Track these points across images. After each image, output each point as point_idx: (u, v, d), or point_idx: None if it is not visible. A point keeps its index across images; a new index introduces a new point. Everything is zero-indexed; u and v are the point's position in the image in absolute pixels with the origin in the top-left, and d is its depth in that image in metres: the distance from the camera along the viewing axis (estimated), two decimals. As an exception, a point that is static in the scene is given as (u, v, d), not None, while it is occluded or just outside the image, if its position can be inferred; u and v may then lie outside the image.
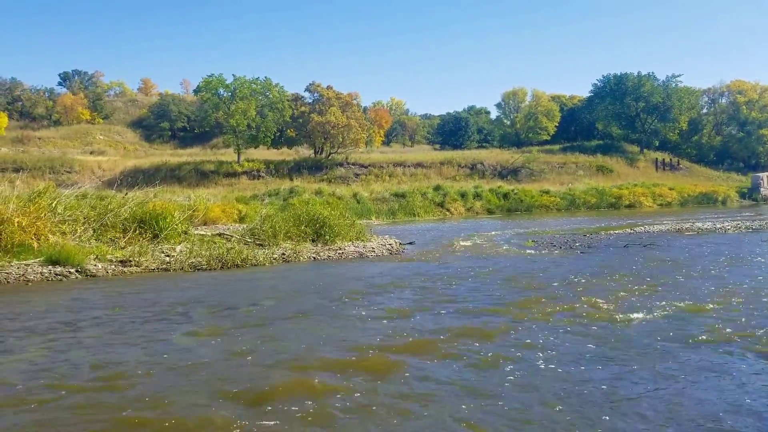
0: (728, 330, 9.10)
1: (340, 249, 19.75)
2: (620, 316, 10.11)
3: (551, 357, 7.87)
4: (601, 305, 10.95)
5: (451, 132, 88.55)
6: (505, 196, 51.64)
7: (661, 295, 11.86)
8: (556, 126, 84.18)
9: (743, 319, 9.76)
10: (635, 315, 10.13)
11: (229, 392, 6.68)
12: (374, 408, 6.24)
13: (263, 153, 65.56)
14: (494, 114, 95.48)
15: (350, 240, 21.28)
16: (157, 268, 16.06)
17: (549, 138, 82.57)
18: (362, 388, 6.82)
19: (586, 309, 10.63)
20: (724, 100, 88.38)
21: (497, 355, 7.97)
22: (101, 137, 79.14)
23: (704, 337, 8.73)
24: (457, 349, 8.27)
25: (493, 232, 28.39)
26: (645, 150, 78.13)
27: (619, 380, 6.98)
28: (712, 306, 10.82)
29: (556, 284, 13.31)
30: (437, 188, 50.31)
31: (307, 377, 7.17)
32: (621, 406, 6.23)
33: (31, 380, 7.15)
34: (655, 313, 10.25)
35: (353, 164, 61.09)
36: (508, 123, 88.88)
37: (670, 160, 77.14)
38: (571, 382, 6.91)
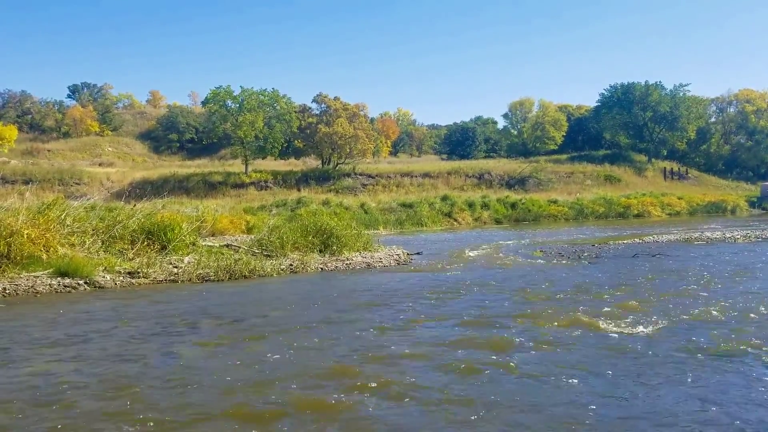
0: (740, 341, 9.01)
1: (348, 259, 19.73)
2: (630, 326, 10.03)
3: (558, 368, 7.80)
4: (609, 316, 10.87)
5: (459, 142, 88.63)
6: (513, 205, 51.54)
7: (670, 306, 11.77)
8: (563, 136, 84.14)
9: (755, 330, 9.66)
10: (644, 326, 10.05)
11: (237, 404, 6.66)
12: (380, 420, 6.20)
13: (271, 164, 65.80)
14: (501, 124, 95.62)
15: (358, 250, 21.25)
16: (165, 280, 16.08)
17: (556, 148, 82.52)
18: (370, 399, 6.79)
19: (595, 319, 10.54)
20: (732, 109, 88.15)
21: (505, 366, 7.91)
22: (110, 149, 79.68)
23: (715, 348, 8.64)
24: (465, 360, 8.21)
25: (500, 242, 28.31)
26: (653, 159, 77.87)
27: (628, 392, 6.91)
28: (722, 316, 10.72)
29: (563, 295, 13.23)
30: (445, 198, 50.26)
31: (314, 389, 7.14)
32: (629, 418, 6.16)
33: (38, 392, 7.15)
34: (665, 324, 10.16)
35: (360, 175, 61.19)
36: (516, 133, 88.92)
37: (679, 169, 76.88)
38: (579, 395, 6.86)
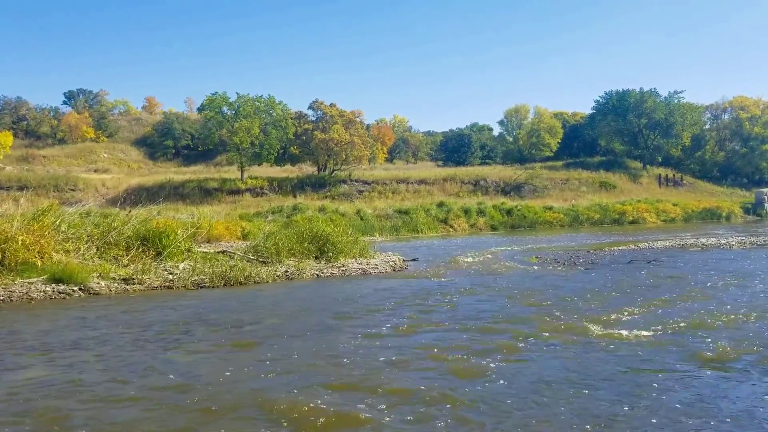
0: (734, 347, 9.03)
1: (344, 266, 19.71)
2: (625, 332, 10.05)
3: (555, 374, 7.81)
4: (605, 322, 10.89)
5: (454, 149, 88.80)
6: (509, 212, 51.53)
7: (665, 312, 11.79)
8: (558, 142, 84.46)
9: (750, 337, 9.68)
10: (640, 332, 10.06)
11: (231, 411, 6.64)
12: (377, 428, 6.18)
13: (267, 170, 65.77)
14: (497, 131, 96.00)
15: (353, 257, 21.22)
16: (160, 286, 16.03)
17: (552, 154, 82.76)
18: (364, 407, 6.77)
19: (590, 326, 10.56)
20: (726, 116, 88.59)
21: (499, 373, 7.90)
22: (105, 155, 79.53)
23: (710, 355, 8.66)
24: (461, 367, 8.21)
25: (496, 249, 28.32)
26: (648, 166, 78.15)
27: (624, 398, 6.91)
28: (717, 323, 10.74)
29: (559, 301, 13.25)
30: (440, 205, 50.26)
31: (309, 396, 7.12)
32: (623, 425, 6.16)
33: (32, 399, 7.11)
34: (660, 330, 10.18)
35: (356, 181, 61.21)
36: (511, 139, 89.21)
37: (674, 175, 77.14)
38: (574, 401, 6.85)
